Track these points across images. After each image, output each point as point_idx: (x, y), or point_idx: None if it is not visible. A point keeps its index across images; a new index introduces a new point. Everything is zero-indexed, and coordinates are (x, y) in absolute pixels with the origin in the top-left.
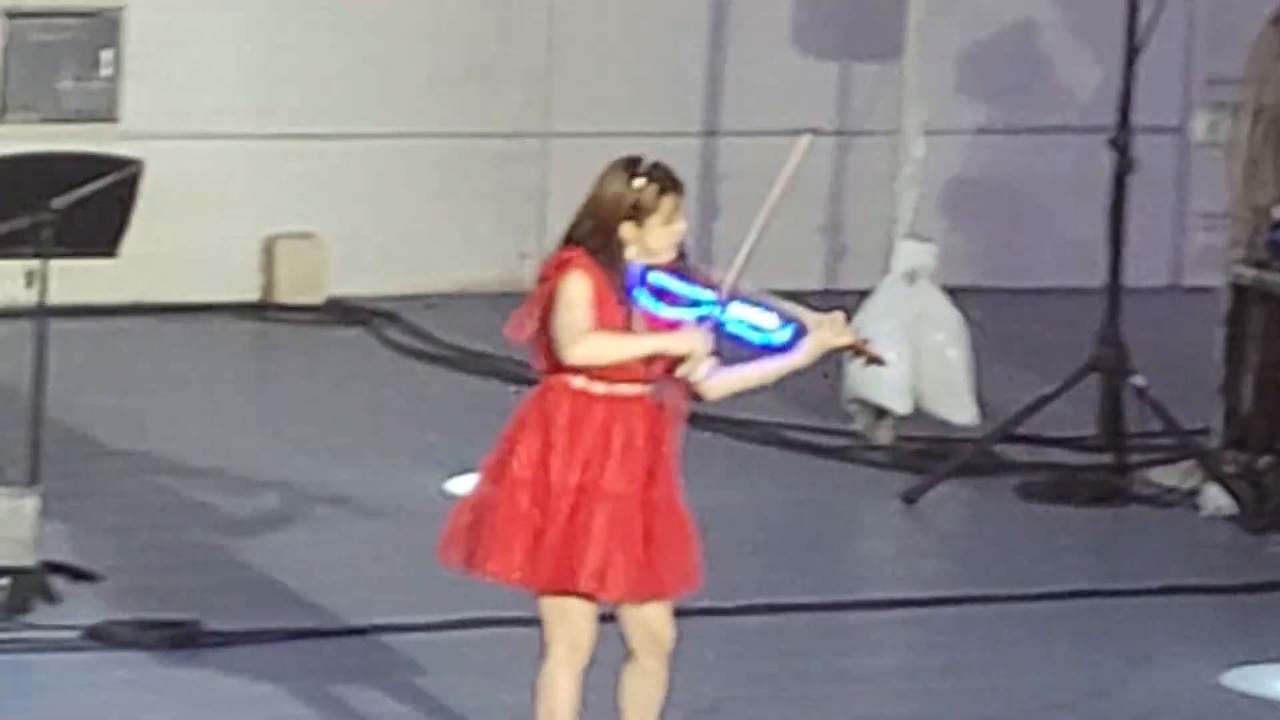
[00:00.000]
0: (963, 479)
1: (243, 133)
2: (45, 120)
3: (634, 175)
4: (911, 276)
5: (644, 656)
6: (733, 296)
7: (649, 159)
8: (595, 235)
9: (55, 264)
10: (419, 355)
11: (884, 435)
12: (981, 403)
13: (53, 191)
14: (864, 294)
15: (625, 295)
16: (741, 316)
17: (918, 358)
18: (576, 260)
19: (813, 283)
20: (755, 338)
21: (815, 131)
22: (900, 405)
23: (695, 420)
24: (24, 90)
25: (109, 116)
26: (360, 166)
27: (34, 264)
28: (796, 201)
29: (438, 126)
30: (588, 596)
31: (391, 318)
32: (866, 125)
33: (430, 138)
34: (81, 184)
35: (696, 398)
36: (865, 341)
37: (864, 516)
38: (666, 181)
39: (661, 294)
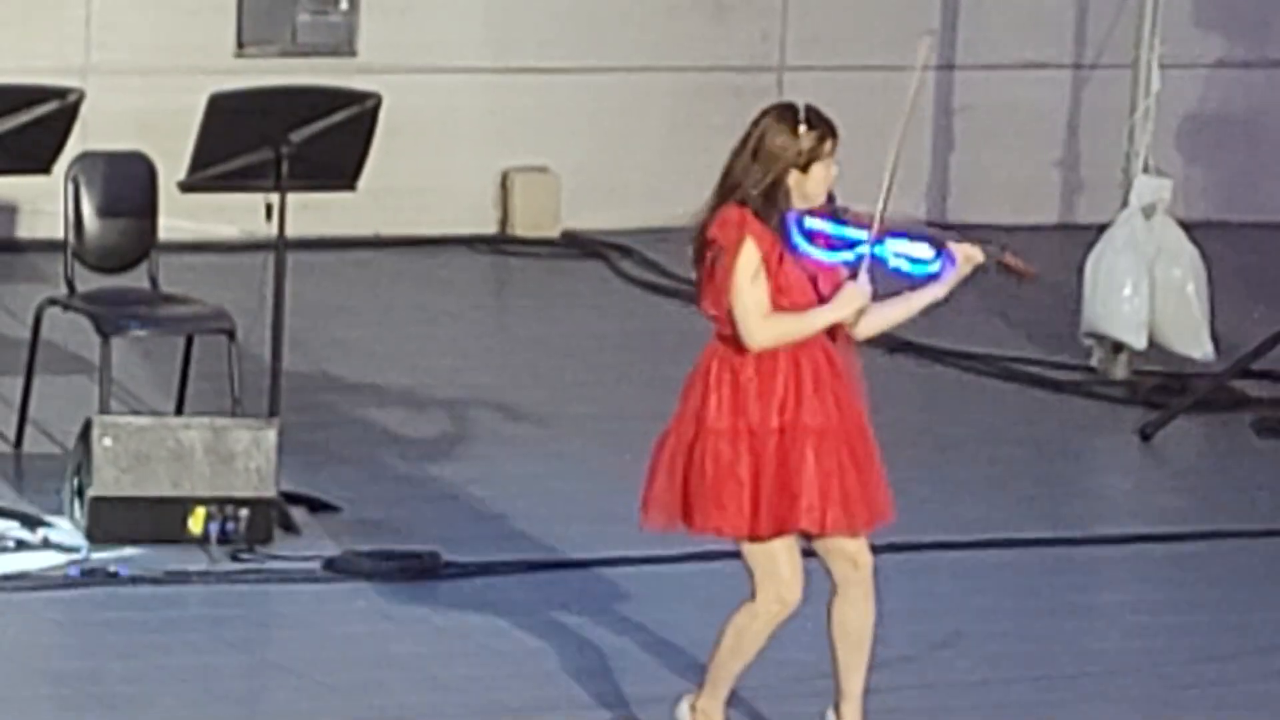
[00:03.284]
0: (1198, 414)
1: (479, 66)
2: (283, 54)
3: (796, 124)
4: (1148, 211)
5: (847, 586)
6: (885, 233)
7: (802, 105)
8: (763, 188)
9: (294, 197)
10: (653, 288)
11: (1119, 370)
12: (1217, 338)
13: (291, 125)
14: (1101, 228)
15: (786, 243)
16: (898, 250)
17: (1154, 292)
18: (747, 224)
19: (1049, 217)
20: (915, 270)
21: (931, 32)
22: (1136, 340)
23: (930, 354)
24: (262, 25)
25: (347, 50)
26: (595, 100)
27: (273, 197)
28: (1032, 135)
29: (672, 60)
30: (804, 534)
31: (626, 251)
32: (1103, 58)
33: (665, 71)
34: (320, 118)
35: (847, 337)
36: (1007, 255)
37: (1099, 451)
38: (826, 127)
39: (816, 238)
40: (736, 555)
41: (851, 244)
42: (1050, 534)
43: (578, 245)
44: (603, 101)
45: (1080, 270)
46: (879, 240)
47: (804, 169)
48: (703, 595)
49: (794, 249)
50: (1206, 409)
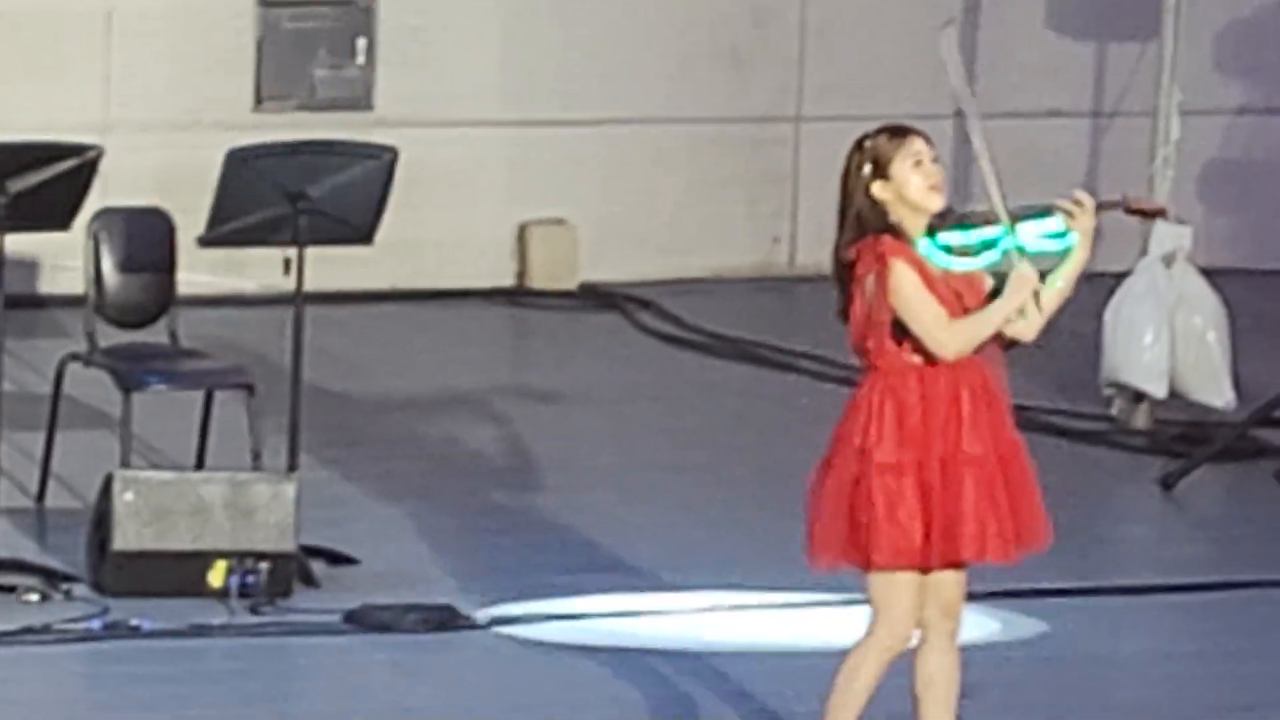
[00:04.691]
0: (1221, 463)
1: (496, 119)
2: (300, 109)
3: (862, 141)
4: (1168, 259)
5: (936, 634)
6: (1015, 219)
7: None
8: (867, 212)
9: (312, 251)
10: (672, 341)
11: (1141, 419)
12: (1239, 386)
13: (309, 179)
14: (1121, 276)
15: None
16: (1033, 232)
17: (1175, 341)
18: (887, 248)
19: None
20: (1058, 247)
21: (950, 21)
22: (1157, 389)
23: None
24: (279, 79)
25: (364, 104)
26: (612, 152)
27: (291, 251)
28: (1052, 183)
29: (690, 112)
30: (958, 564)
31: (644, 303)
32: (1123, 106)
33: (682, 123)
34: (336, 172)
35: (1014, 345)
36: (1132, 200)
37: (1121, 501)
38: (894, 129)
39: (955, 249)
40: (735, 608)
41: (990, 243)
42: (1071, 584)
43: (596, 297)
44: (620, 153)
45: (1100, 319)
46: (1012, 229)
47: (884, 175)
48: (716, 646)
49: (942, 265)
50: (1228, 458)
